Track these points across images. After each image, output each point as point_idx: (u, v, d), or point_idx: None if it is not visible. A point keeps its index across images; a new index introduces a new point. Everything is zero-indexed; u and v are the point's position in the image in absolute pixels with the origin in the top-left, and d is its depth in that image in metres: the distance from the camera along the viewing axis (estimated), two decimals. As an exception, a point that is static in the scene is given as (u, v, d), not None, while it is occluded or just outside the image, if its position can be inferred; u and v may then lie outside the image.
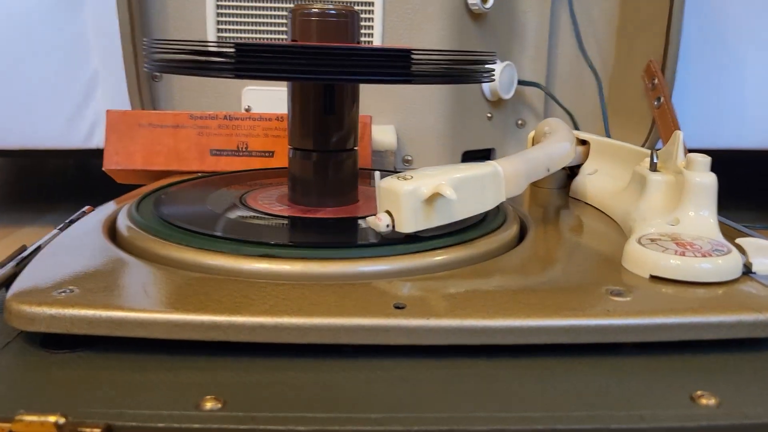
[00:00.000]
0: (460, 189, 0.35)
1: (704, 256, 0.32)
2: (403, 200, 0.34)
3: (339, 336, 0.28)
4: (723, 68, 0.81)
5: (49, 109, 0.80)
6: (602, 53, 0.78)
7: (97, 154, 0.58)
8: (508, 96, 0.73)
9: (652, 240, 0.34)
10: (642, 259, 0.33)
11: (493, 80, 0.39)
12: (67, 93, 0.80)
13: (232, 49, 0.34)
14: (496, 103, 0.75)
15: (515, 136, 0.79)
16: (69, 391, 0.26)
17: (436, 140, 0.69)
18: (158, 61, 0.36)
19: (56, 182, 1.16)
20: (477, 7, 0.67)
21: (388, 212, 0.35)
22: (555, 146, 0.43)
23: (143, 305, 0.29)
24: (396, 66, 0.34)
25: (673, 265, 0.32)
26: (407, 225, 0.34)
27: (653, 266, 0.32)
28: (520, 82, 0.75)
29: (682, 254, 0.32)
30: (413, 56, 0.34)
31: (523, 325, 0.28)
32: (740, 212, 0.94)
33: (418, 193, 0.34)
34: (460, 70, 0.36)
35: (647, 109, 0.69)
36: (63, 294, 0.29)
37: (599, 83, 0.73)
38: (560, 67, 0.79)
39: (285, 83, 0.67)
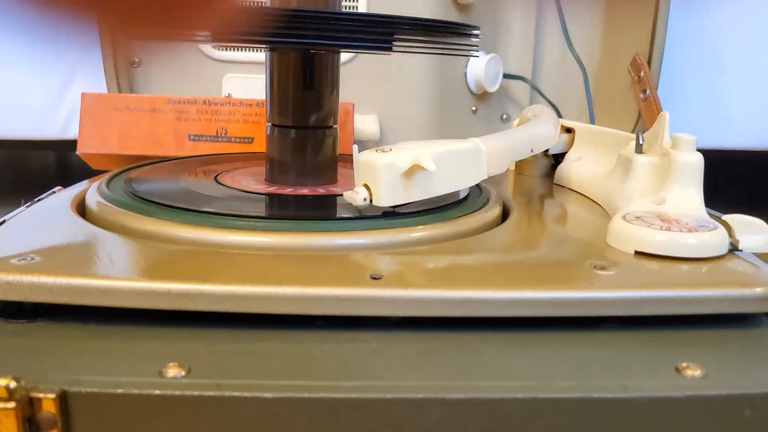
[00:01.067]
0: (440, 163, 0.34)
1: (690, 231, 0.31)
2: (381, 173, 0.33)
3: (312, 306, 0.27)
4: (709, 68, 0.81)
5: (26, 98, 0.79)
6: (588, 48, 0.77)
7: (74, 145, 0.57)
8: (493, 89, 0.72)
9: (638, 217, 0.33)
10: (627, 235, 0.32)
11: (477, 56, 0.38)
12: (44, 82, 0.78)
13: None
14: (481, 96, 0.74)
15: (500, 131, 0.78)
16: (24, 358, 0.24)
17: (420, 132, 0.68)
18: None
19: (36, 174, 1.14)
20: (462, -2, 0.66)
21: (366, 186, 0.33)
22: (539, 128, 0.42)
23: (107, 273, 0.27)
24: (377, 32, 0.33)
25: (658, 240, 0.31)
26: (385, 198, 0.33)
27: (638, 241, 0.31)
28: (506, 76, 0.74)
29: (668, 229, 0.31)
30: (395, 21, 0.33)
31: (505, 296, 0.27)
32: (725, 212, 0.94)
33: (396, 165, 0.33)
34: (443, 38, 0.35)
35: (633, 102, 0.68)
36: (23, 261, 0.28)
37: (585, 76, 0.72)
38: (546, 61, 0.78)
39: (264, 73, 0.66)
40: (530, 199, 0.45)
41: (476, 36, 0.38)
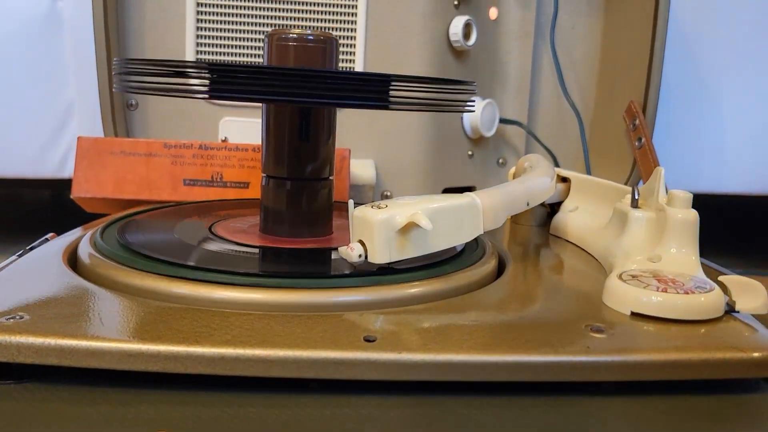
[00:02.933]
0: (436, 220, 0.34)
1: (687, 293, 0.31)
2: (376, 229, 0.32)
3: (305, 370, 0.26)
4: (703, 112, 0.82)
5: (23, 137, 0.79)
6: (583, 94, 0.78)
7: (70, 184, 0.56)
8: (489, 134, 0.72)
9: (634, 276, 0.33)
10: (623, 295, 0.32)
11: (473, 110, 0.38)
12: (42, 121, 0.79)
13: (206, 70, 0.33)
14: (477, 140, 0.74)
15: (496, 175, 0.78)
16: (10, 422, 0.24)
17: (416, 176, 0.68)
18: (128, 80, 0.34)
19: (31, 213, 1.13)
20: (459, 44, 0.67)
21: (361, 242, 0.33)
22: (535, 180, 0.42)
23: (96, 333, 0.27)
24: (373, 90, 0.33)
25: (654, 302, 0.31)
26: (380, 255, 0.33)
27: (634, 302, 0.31)
28: (502, 121, 0.75)
29: (664, 291, 0.31)
30: (392, 81, 0.33)
31: (500, 361, 0.27)
32: (719, 257, 0.94)
33: (392, 222, 0.33)
34: (439, 97, 0.35)
35: (628, 149, 0.69)
36: (11, 320, 0.27)
37: (581, 124, 0.73)
38: (542, 106, 0.79)
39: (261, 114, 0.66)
40: (526, 251, 0.45)
41: (473, 92, 0.38)
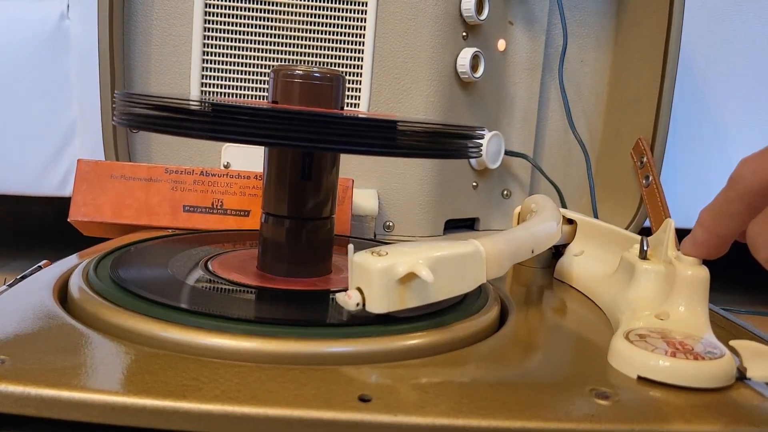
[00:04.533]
0: (437, 269, 0.32)
1: (696, 359, 0.29)
2: (375, 278, 0.31)
3: (296, 430, 0.25)
4: (711, 150, 0.81)
5: (26, 154, 0.78)
6: (590, 129, 0.77)
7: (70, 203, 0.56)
8: (494, 166, 0.71)
9: (641, 336, 0.32)
10: (629, 358, 0.30)
11: (481, 155, 0.38)
12: (45, 139, 0.78)
13: (208, 109, 0.32)
14: (482, 172, 0.73)
15: (500, 207, 0.77)
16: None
17: (419, 207, 0.67)
18: (128, 115, 0.34)
19: (33, 229, 1.13)
20: (467, 76, 0.66)
21: (360, 289, 0.32)
22: (541, 226, 0.41)
23: (80, 383, 0.26)
24: (379, 137, 0.32)
25: (662, 367, 0.29)
26: (379, 305, 0.32)
27: (641, 367, 0.30)
28: (507, 153, 0.74)
29: (673, 355, 0.30)
30: (398, 128, 0.32)
31: (500, 427, 0.26)
32: (726, 294, 0.92)
33: (392, 271, 0.32)
34: (447, 143, 0.34)
35: (635, 186, 0.68)
36: (-8, 365, 0.26)
37: (587, 160, 0.72)
38: (548, 139, 0.78)
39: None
40: (529, 297, 0.43)
41: (481, 137, 0.37)
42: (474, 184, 0.73)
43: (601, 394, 0.28)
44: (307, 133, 0.31)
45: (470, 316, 0.35)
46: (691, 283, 0.34)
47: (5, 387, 0.25)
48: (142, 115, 0.33)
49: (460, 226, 0.74)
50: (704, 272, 0.34)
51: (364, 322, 0.33)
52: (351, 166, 0.66)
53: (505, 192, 0.78)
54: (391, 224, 0.67)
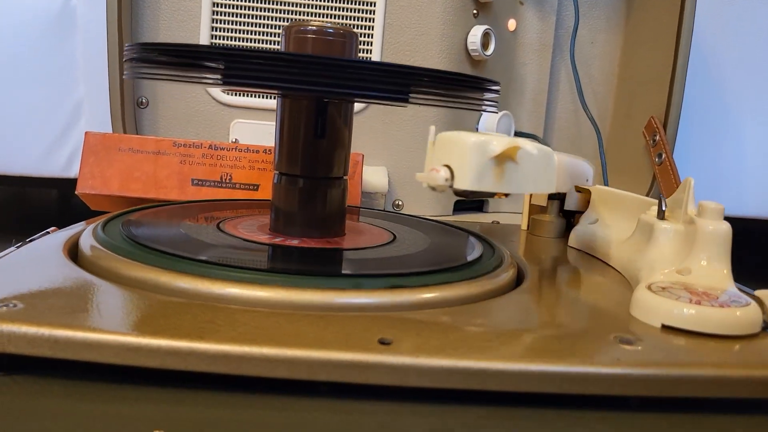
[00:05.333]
0: (523, 159, 0.31)
1: (722, 306, 0.29)
2: (469, 152, 0.30)
3: (315, 371, 0.25)
4: (722, 134, 0.80)
5: (31, 135, 0.78)
6: (600, 110, 0.76)
7: (76, 184, 0.55)
8: (504, 146, 0.71)
9: (663, 288, 0.31)
10: (653, 307, 0.30)
11: (495, 111, 0.37)
12: (50, 120, 0.77)
13: (220, 56, 0.31)
14: (492, 152, 0.73)
15: (509, 189, 0.76)
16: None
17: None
18: (140, 66, 0.33)
19: (36, 211, 1.12)
20: (477, 54, 0.66)
21: (447, 166, 0.31)
22: (579, 161, 0.40)
23: (94, 325, 0.25)
24: (396, 83, 0.31)
25: (687, 315, 0.29)
26: (471, 180, 0.30)
27: (665, 315, 0.29)
28: (518, 133, 0.73)
29: (698, 303, 0.29)
30: (413, 72, 0.31)
31: (524, 370, 0.25)
32: (738, 280, 0.91)
33: (486, 147, 0.30)
34: (462, 93, 0.33)
35: (646, 166, 0.67)
36: (4, 308, 0.26)
37: (600, 138, 0.71)
38: (558, 121, 0.77)
39: (273, 119, 0.65)
40: (545, 262, 0.43)
41: (496, 92, 0.37)
42: (483, 164, 0.72)
43: (625, 340, 0.28)
44: (324, 77, 0.30)
45: (488, 273, 0.35)
46: (713, 238, 0.33)
47: (18, 328, 0.24)
48: (154, 62, 0.32)
49: (468, 207, 0.74)
50: (726, 227, 0.34)
51: (383, 275, 0.32)
52: (360, 142, 0.65)
53: (515, 174, 0.77)
54: (400, 203, 0.66)
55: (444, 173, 0.30)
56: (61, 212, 1.10)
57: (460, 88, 0.34)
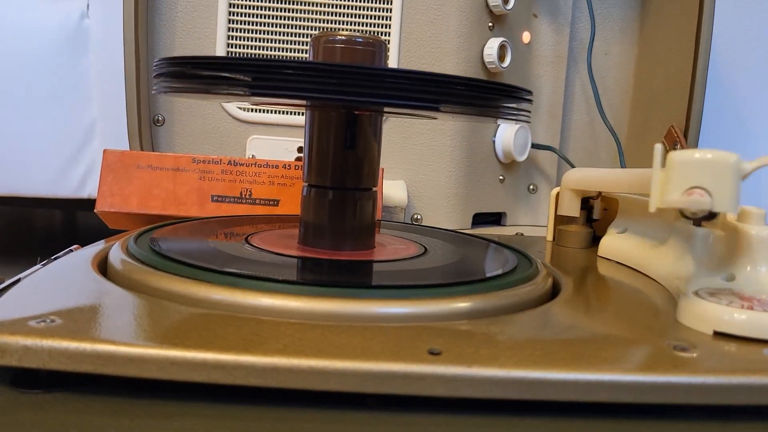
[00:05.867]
0: None
1: (775, 311, 0.28)
2: (732, 172, 0.29)
3: (366, 383, 0.24)
4: (740, 143, 0.80)
5: (44, 156, 0.78)
6: (616, 121, 0.76)
7: (88, 205, 0.55)
8: (522, 158, 0.70)
9: (712, 294, 0.30)
10: (703, 313, 0.29)
11: (529, 121, 0.36)
12: (63, 140, 0.77)
13: (251, 66, 0.31)
14: (509, 165, 0.72)
15: (527, 202, 0.76)
16: (40, 436, 0.21)
17: (447, 200, 0.66)
18: (168, 77, 0.33)
19: (43, 234, 1.12)
20: (494, 66, 0.66)
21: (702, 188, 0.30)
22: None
23: (136, 339, 0.24)
24: (430, 91, 0.31)
25: (739, 320, 0.28)
26: (732, 203, 0.29)
27: (717, 321, 0.28)
28: (534, 146, 0.73)
29: (750, 308, 0.28)
30: (448, 80, 0.31)
31: (580, 378, 0.24)
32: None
33: (740, 166, 0.29)
34: (495, 100, 0.33)
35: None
36: (42, 324, 0.25)
37: (619, 146, 0.71)
38: (573, 133, 0.77)
39: (290, 135, 0.64)
40: (578, 272, 0.42)
41: (530, 101, 0.36)
42: (501, 177, 0.72)
43: (680, 347, 0.27)
44: (357, 86, 0.29)
45: (525, 282, 0.34)
46: (758, 243, 0.33)
47: (59, 344, 0.24)
48: (183, 75, 0.32)
49: (487, 221, 0.73)
50: (770, 231, 0.33)
51: (420, 285, 0.31)
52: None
53: (532, 187, 0.76)
54: (419, 217, 0.66)
55: (707, 197, 0.29)
56: (67, 233, 1.10)
57: (493, 97, 0.34)
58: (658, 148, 0.30)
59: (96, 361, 0.24)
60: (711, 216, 0.30)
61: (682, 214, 0.31)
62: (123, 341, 0.24)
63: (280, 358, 0.24)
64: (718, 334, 0.28)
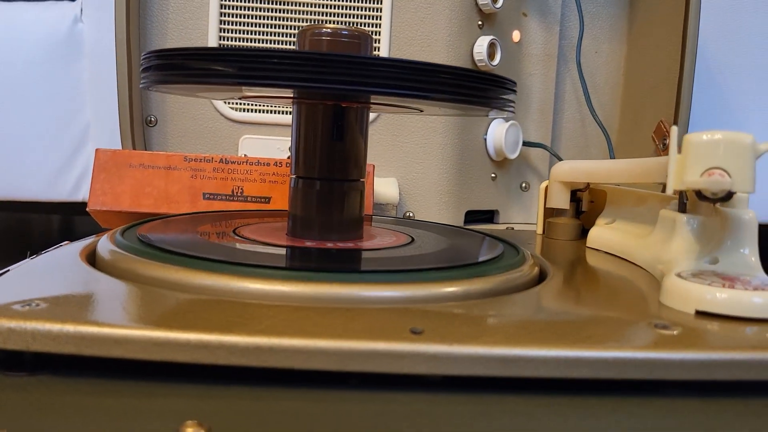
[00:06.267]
0: None
1: (756, 289, 0.28)
2: (749, 153, 0.29)
3: (347, 362, 0.24)
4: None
5: (38, 160, 0.78)
6: (607, 119, 0.76)
7: (83, 207, 0.55)
8: (513, 156, 0.71)
9: (694, 274, 0.31)
10: (685, 293, 0.29)
11: (513, 112, 0.37)
12: (57, 144, 0.77)
13: (236, 57, 0.31)
14: (501, 163, 0.73)
15: (519, 200, 0.76)
16: (24, 416, 0.21)
17: (439, 197, 0.66)
18: (155, 72, 0.33)
19: (41, 238, 1.12)
20: (484, 64, 0.66)
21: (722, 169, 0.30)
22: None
23: (120, 321, 0.25)
24: (417, 79, 0.31)
25: (722, 299, 0.28)
26: (751, 181, 0.29)
27: (699, 300, 0.29)
28: (526, 143, 0.73)
29: (731, 287, 0.28)
30: (433, 68, 0.31)
31: (561, 355, 0.24)
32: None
33: (756, 147, 0.30)
34: (483, 89, 0.33)
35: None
36: (27, 308, 0.25)
37: (609, 142, 0.71)
38: (564, 131, 0.77)
39: (282, 134, 0.65)
40: (566, 262, 0.42)
41: (514, 91, 0.36)
42: (493, 175, 0.72)
43: (661, 325, 0.27)
44: (343, 75, 0.30)
45: (512, 269, 0.34)
46: (740, 225, 0.33)
47: (42, 325, 0.24)
48: (169, 66, 0.32)
49: (479, 219, 0.73)
50: (752, 215, 0.33)
51: (405, 270, 0.31)
52: (370, 153, 0.65)
53: (524, 185, 0.77)
54: (411, 214, 0.66)
55: (726, 177, 0.29)
56: (65, 238, 1.10)
57: (478, 86, 0.34)
58: (675, 130, 0.30)
59: (79, 342, 0.24)
60: (729, 196, 0.30)
61: (700, 195, 0.31)
62: (106, 323, 0.24)
63: (262, 338, 0.24)
64: (700, 314, 0.29)
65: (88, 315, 0.25)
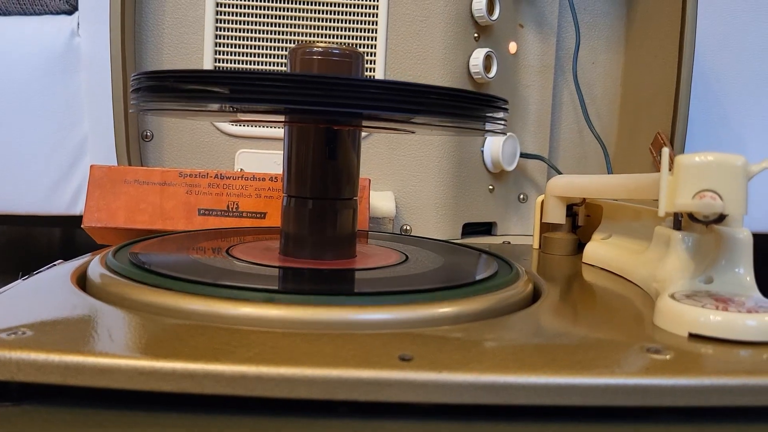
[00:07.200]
0: None
1: (749, 312, 0.28)
2: (741, 175, 0.29)
3: (335, 390, 0.24)
4: (723, 150, 0.80)
5: (36, 173, 0.78)
6: (604, 130, 0.76)
7: (81, 221, 0.55)
8: (510, 168, 0.70)
9: (688, 296, 0.30)
10: (678, 316, 0.29)
11: (505, 127, 0.37)
12: (55, 158, 0.77)
13: (227, 79, 0.31)
14: (498, 175, 0.72)
15: (517, 211, 0.76)
16: (5, 448, 0.21)
17: (436, 210, 0.66)
18: (147, 90, 0.33)
19: (40, 251, 1.12)
20: (480, 76, 0.66)
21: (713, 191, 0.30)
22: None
23: (105, 350, 0.24)
24: (406, 101, 0.31)
25: (714, 322, 0.28)
26: (743, 205, 0.29)
27: (692, 323, 0.28)
28: (523, 155, 0.73)
29: (725, 309, 0.28)
30: (423, 89, 0.31)
31: (552, 382, 0.24)
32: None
33: (747, 169, 0.30)
34: (472, 109, 0.33)
35: (655, 182, 0.66)
36: (13, 336, 0.25)
37: (606, 155, 0.71)
38: (562, 142, 0.77)
39: (278, 148, 0.65)
40: (561, 278, 0.42)
41: (505, 110, 0.36)
42: (490, 187, 0.72)
43: (653, 349, 0.27)
44: (333, 97, 0.30)
45: (506, 287, 0.34)
46: (735, 245, 0.33)
47: (27, 355, 0.24)
48: (160, 89, 0.32)
49: (477, 231, 0.73)
50: (747, 234, 0.33)
51: (395, 291, 0.31)
52: (367, 167, 0.65)
53: (522, 196, 0.76)
54: (408, 227, 0.66)
55: (718, 200, 0.29)
56: (64, 251, 1.10)
57: (469, 106, 0.34)
58: (666, 152, 0.30)
59: (64, 372, 0.24)
60: (721, 218, 0.30)
61: (692, 217, 0.31)
62: (91, 352, 0.24)
63: (248, 367, 0.24)
64: (694, 336, 0.28)
65: (73, 344, 0.25)
